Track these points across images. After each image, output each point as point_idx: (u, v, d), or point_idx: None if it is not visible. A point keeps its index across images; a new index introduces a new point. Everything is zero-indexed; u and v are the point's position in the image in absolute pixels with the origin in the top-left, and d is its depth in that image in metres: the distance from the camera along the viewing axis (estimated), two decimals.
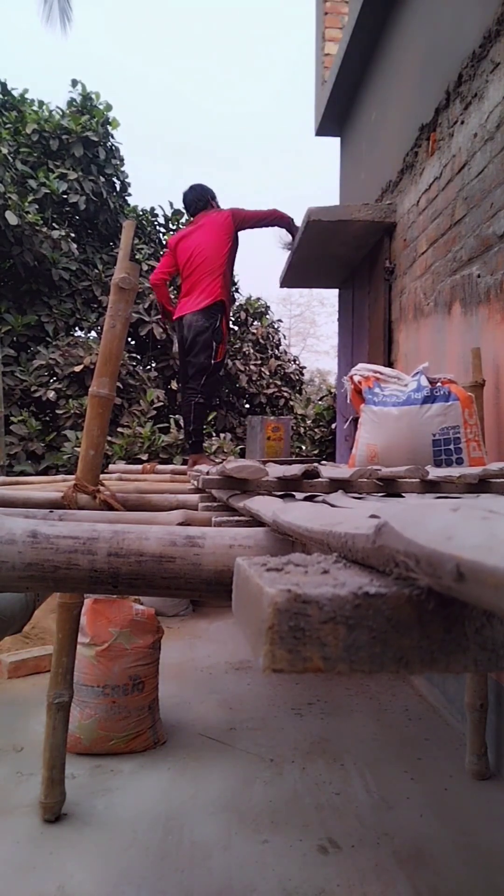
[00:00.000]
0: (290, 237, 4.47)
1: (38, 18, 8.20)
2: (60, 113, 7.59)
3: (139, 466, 4.31)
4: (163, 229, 8.37)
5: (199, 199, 4.08)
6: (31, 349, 6.82)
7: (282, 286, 6.03)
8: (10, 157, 6.92)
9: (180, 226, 8.36)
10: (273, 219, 4.11)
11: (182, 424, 5.56)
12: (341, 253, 4.87)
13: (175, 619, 4.46)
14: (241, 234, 4.03)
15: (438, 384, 2.51)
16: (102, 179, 7.70)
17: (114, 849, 1.95)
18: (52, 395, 6.27)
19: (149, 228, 8.25)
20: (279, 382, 8.36)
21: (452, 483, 1.59)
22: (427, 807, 2.20)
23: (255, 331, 8.60)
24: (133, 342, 7.64)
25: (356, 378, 2.79)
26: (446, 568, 0.31)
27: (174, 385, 7.20)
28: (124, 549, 0.93)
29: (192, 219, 4.14)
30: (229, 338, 4.26)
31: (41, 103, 7.68)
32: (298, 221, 4.34)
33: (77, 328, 7.49)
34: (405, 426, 2.48)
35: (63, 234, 7.10)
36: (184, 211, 8.25)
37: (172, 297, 4.28)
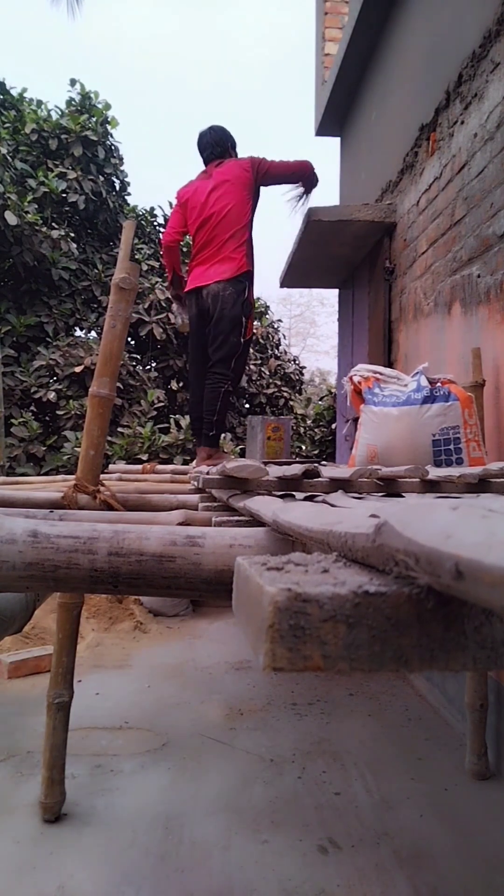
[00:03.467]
0: (301, 190, 3.67)
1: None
2: (59, 112, 7.59)
3: (139, 466, 4.31)
4: (163, 229, 8.37)
5: (217, 143, 3.49)
6: (32, 350, 6.82)
7: (282, 286, 6.03)
8: (9, 157, 6.92)
9: None
10: (302, 173, 3.47)
11: (190, 419, 5.30)
12: (341, 253, 4.87)
13: (175, 619, 4.46)
14: (262, 191, 3.46)
15: (438, 384, 2.51)
16: (102, 179, 7.70)
17: (114, 849, 1.95)
18: (52, 395, 6.27)
19: (149, 228, 8.26)
20: (279, 382, 8.37)
21: (452, 483, 1.59)
22: (427, 807, 2.20)
23: (255, 331, 8.60)
24: (133, 342, 7.64)
25: (356, 379, 2.79)
26: (445, 566, 0.31)
27: (174, 385, 7.21)
28: (124, 548, 0.93)
29: (204, 167, 3.55)
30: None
31: (40, 102, 7.68)
32: (299, 221, 4.34)
33: (77, 328, 7.49)
34: (405, 426, 2.49)
35: (63, 233, 7.10)
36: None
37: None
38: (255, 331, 8.53)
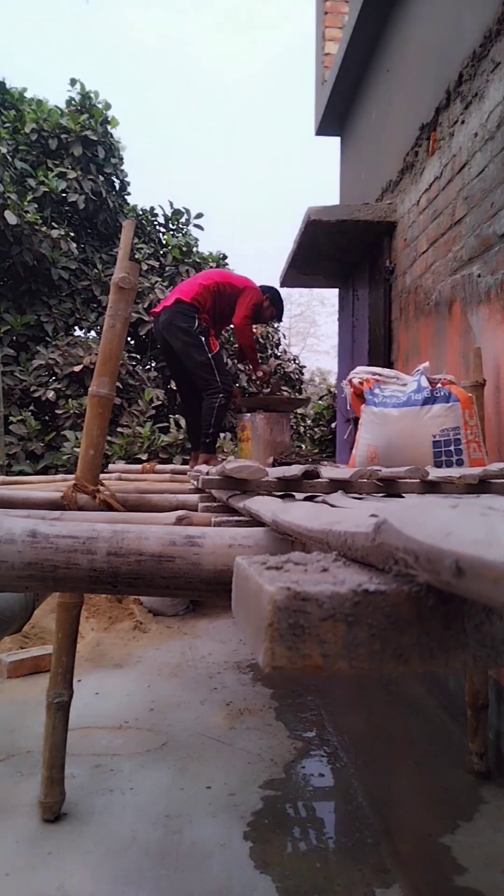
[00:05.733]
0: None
1: None
2: (59, 112, 7.59)
3: (139, 466, 4.31)
4: (162, 229, 8.37)
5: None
6: (31, 349, 6.82)
7: (282, 286, 6.02)
8: (9, 157, 6.92)
9: (180, 225, 8.36)
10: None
11: (184, 425, 5.52)
12: (341, 253, 4.87)
13: (175, 619, 4.46)
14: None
15: (439, 385, 2.51)
16: (102, 178, 7.70)
17: (114, 849, 1.95)
18: (51, 394, 6.27)
19: (148, 228, 8.25)
20: (279, 382, 8.36)
21: (452, 483, 1.59)
22: (427, 807, 2.20)
23: (254, 330, 8.60)
24: (133, 342, 7.64)
25: (356, 381, 2.79)
26: (445, 563, 0.31)
27: (174, 385, 7.21)
28: (124, 548, 0.93)
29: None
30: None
31: (40, 102, 7.67)
32: (299, 221, 4.34)
33: (76, 328, 7.48)
34: (405, 427, 2.48)
35: (62, 233, 7.10)
36: (184, 211, 8.29)
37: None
38: (257, 334, 8.53)
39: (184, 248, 7.92)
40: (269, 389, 4.32)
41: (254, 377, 4.46)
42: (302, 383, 9.38)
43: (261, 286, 4.03)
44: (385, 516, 0.42)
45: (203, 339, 3.66)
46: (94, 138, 7.49)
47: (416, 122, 3.71)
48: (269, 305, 4.07)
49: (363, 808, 2.18)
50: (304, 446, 7.45)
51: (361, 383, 2.75)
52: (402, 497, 1.54)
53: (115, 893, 1.76)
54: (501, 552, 0.27)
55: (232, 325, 4.01)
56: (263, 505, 1.07)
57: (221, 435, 6.67)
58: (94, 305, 7.51)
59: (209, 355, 3.65)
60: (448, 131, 3.27)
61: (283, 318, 4.75)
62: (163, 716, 2.88)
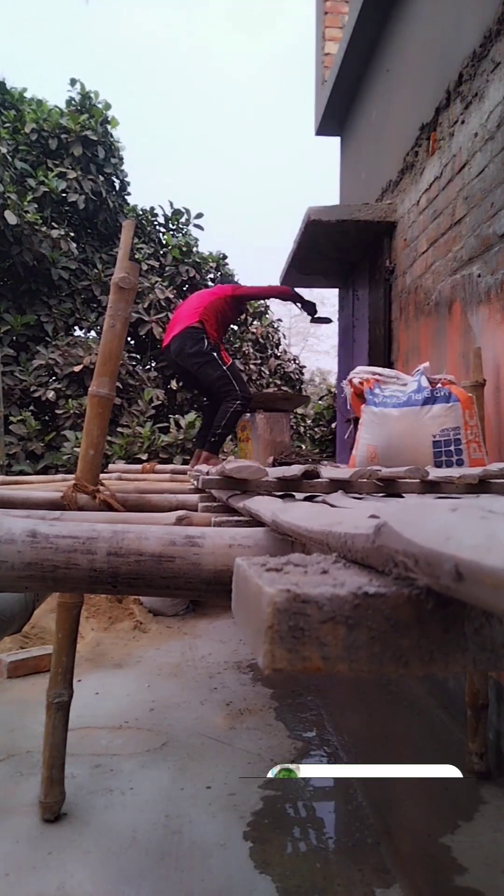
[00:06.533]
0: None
1: None
2: (59, 112, 7.59)
3: (139, 466, 4.31)
4: (162, 229, 8.36)
5: None
6: (31, 349, 6.82)
7: (282, 285, 6.03)
8: (9, 157, 6.91)
9: (180, 225, 8.36)
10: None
11: (184, 424, 5.55)
12: (341, 253, 4.87)
13: (174, 619, 4.46)
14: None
15: (439, 385, 2.51)
16: (102, 178, 7.70)
17: (114, 849, 1.95)
18: (51, 394, 6.27)
19: (148, 228, 8.25)
20: (279, 382, 8.36)
21: (452, 484, 1.59)
22: (427, 806, 2.20)
23: (254, 330, 8.60)
24: (133, 342, 7.64)
25: (356, 381, 2.79)
26: (445, 568, 0.31)
27: (174, 384, 7.21)
28: (124, 548, 0.93)
29: None
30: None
31: (40, 102, 7.67)
32: (299, 221, 4.34)
33: (76, 328, 7.48)
34: (405, 427, 2.48)
35: (62, 233, 7.10)
36: (184, 211, 8.30)
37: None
38: (255, 332, 8.54)
39: (184, 248, 7.91)
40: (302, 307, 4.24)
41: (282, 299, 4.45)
42: (302, 383, 9.38)
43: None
44: (385, 518, 0.42)
45: (215, 354, 3.82)
46: (94, 138, 7.48)
47: (416, 122, 3.71)
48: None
49: (363, 808, 2.18)
50: (304, 446, 7.45)
51: (361, 383, 2.75)
52: (402, 497, 1.54)
53: (115, 893, 1.76)
54: (501, 558, 0.27)
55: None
56: (263, 505, 1.07)
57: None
58: (94, 305, 7.51)
59: (224, 369, 3.81)
60: (448, 131, 3.27)
61: (284, 319, 4.81)
62: (163, 716, 2.88)
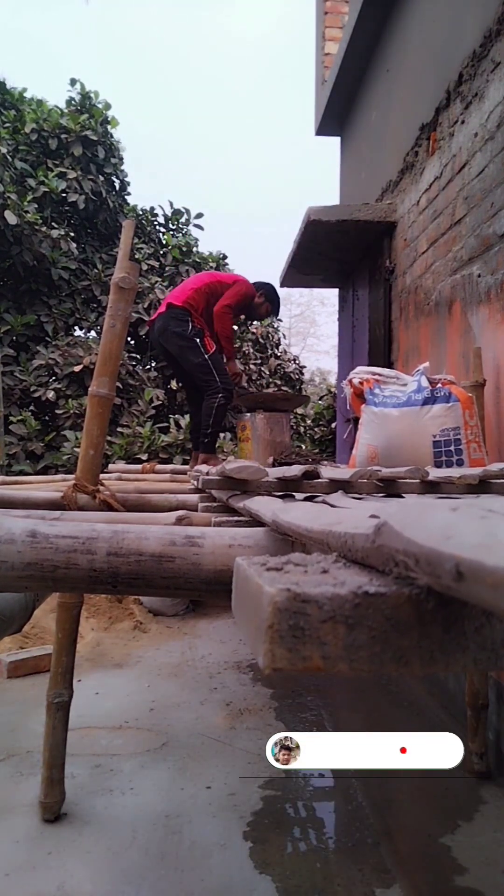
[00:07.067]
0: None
1: None
2: (59, 112, 7.59)
3: (139, 466, 4.31)
4: (162, 229, 8.36)
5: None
6: (31, 349, 6.82)
7: (282, 286, 6.02)
8: (9, 157, 6.91)
9: (180, 226, 8.36)
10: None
11: (183, 425, 5.54)
12: (341, 253, 4.87)
13: (174, 619, 4.46)
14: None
15: (439, 385, 2.51)
16: (102, 178, 7.70)
17: (114, 849, 1.95)
18: (51, 394, 6.26)
19: (149, 228, 8.24)
20: (279, 382, 8.36)
21: (452, 484, 1.59)
22: (427, 806, 2.20)
23: (254, 330, 8.60)
24: (133, 342, 7.64)
25: (356, 381, 2.79)
26: (445, 567, 0.31)
27: (174, 385, 7.21)
28: (124, 548, 0.93)
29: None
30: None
31: (40, 102, 7.67)
32: (299, 221, 4.34)
33: (76, 328, 7.48)
34: (405, 427, 2.48)
35: (62, 233, 7.09)
36: (184, 211, 8.31)
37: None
38: (255, 331, 8.54)
39: (184, 248, 7.91)
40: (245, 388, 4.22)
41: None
42: (302, 383, 9.38)
43: (255, 282, 4.01)
44: (385, 518, 0.42)
45: (198, 340, 3.68)
46: (94, 138, 7.48)
47: (416, 122, 3.71)
48: (263, 301, 4.05)
49: (363, 808, 2.18)
50: (304, 446, 7.45)
51: (361, 383, 2.74)
52: (402, 497, 1.54)
53: (114, 893, 1.76)
54: (501, 557, 0.27)
55: (234, 327, 3.99)
56: (263, 505, 1.07)
57: (221, 435, 6.67)
58: (94, 305, 7.51)
59: (206, 356, 3.67)
60: (448, 131, 3.27)
61: (284, 319, 4.77)
62: (163, 716, 2.88)
